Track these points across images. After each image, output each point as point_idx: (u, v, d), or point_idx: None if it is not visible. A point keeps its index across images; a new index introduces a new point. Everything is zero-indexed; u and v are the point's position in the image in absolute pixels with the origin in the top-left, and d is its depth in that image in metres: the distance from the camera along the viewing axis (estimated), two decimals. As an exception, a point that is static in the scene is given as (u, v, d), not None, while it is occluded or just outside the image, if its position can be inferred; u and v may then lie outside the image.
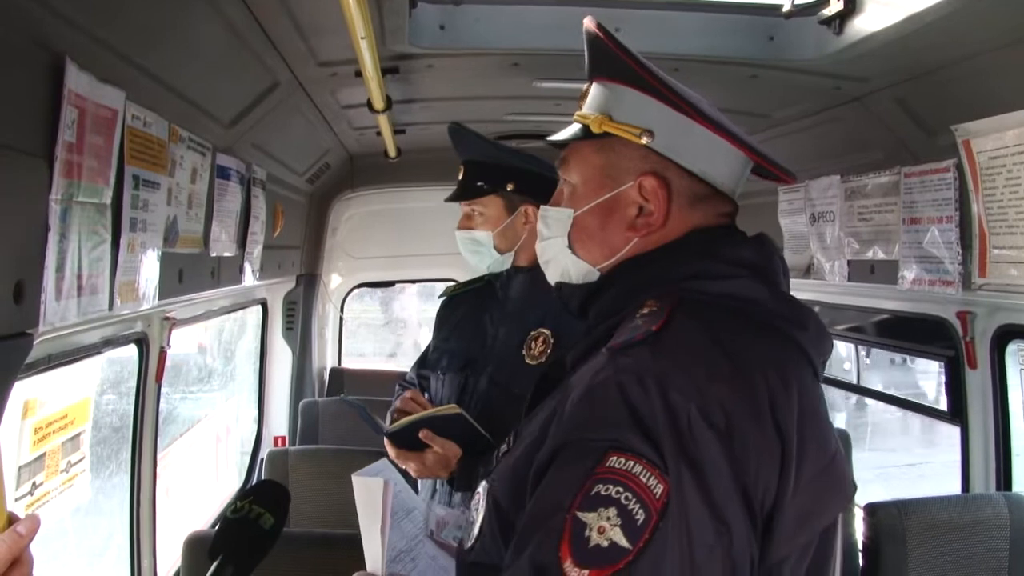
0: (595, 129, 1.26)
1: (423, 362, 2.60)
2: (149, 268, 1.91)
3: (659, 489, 0.97)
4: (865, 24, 2.08)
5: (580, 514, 0.98)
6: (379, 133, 3.55)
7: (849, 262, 3.08)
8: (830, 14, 2.17)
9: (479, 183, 2.38)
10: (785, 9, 2.26)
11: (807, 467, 1.08)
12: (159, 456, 2.76)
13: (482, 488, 1.22)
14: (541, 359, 2.27)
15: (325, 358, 5.19)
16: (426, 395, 2.44)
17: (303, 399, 4.58)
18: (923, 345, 3.16)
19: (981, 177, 2.28)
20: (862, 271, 3.01)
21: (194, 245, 2.30)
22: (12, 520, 1.03)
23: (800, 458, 1.07)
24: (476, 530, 1.18)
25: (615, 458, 0.99)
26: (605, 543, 0.96)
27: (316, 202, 4.68)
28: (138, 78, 1.74)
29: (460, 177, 2.42)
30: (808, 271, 3.38)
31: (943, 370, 2.94)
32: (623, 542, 0.96)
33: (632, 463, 0.98)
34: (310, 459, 3.24)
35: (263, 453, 4.28)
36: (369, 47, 2.01)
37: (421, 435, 2.09)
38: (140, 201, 1.81)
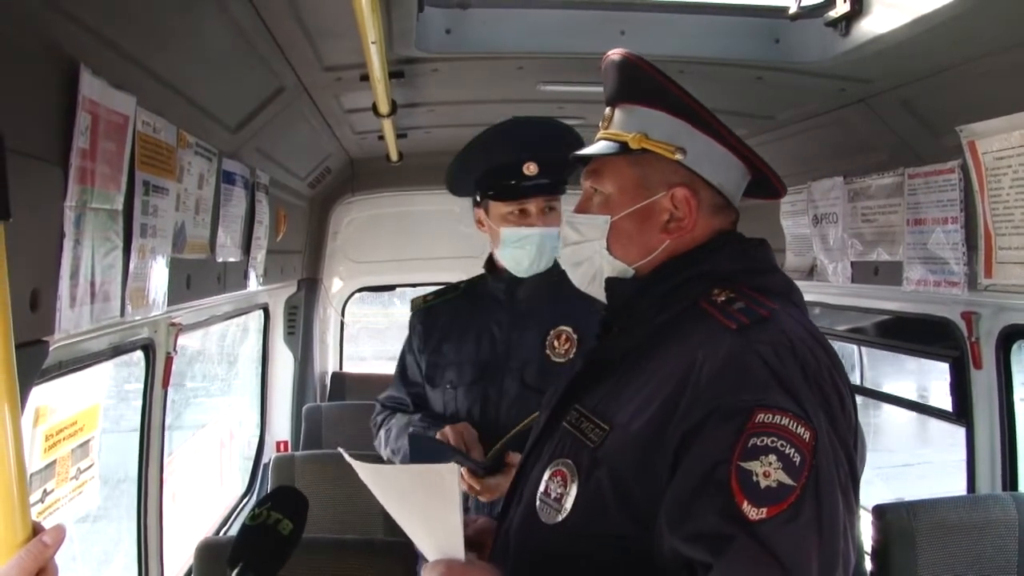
0: (634, 146, 1.43)
1: (407, 379, 2.49)
2: (159, 274, 1.91)
3: (807, 435, 1.16)
4: (872, 26, 2.08)
5: (743, 464, 1.14)
6: (381, 137, 3.55)
7: (852, 263, 3.08)
8: (836, 16, 2.17)
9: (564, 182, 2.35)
10: (791, 11, 2.26)
11: (855, 407, 1.33)
12: (165, 461, 2.75)
13: (564, 466, 1.36)
14: (568, 356, 2.31)
15: (327, 362, 5.19)
16: (418, 415, 2.38)
17: (306, 404, 4.58)
18: (927, 346, 3.16)
19: (987, 178, 2.29)
20: (866, 272, 3.01)
21: (201, 251, 2.30)
22: (37, 530, 1.03)
23: (853, 398, 1.32)
24: (569, 503, 1.32)
25: (763, 415, 1.17)
26: (774, 484, 1.13)
27: (317, 206, 4.67)
28: (148, 84, 1.74)
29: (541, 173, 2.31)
30: (811, 273, 3.38)
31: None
32: (788, 480, 1.13)
33: (779, 417, 1.17)
34: (316, 464, 3.24)
35: (266, 458, 4.28)
36: (378, 52, 2.01)
37: (509, 459, 2.04)
38: (150, 207, 1.81)
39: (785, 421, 1.16)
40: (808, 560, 1.11)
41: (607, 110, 1.52)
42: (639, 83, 1.45)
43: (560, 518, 1.33)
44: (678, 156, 1.40)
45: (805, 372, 1.22)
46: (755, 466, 1.14)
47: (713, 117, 1.42)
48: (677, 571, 1.19)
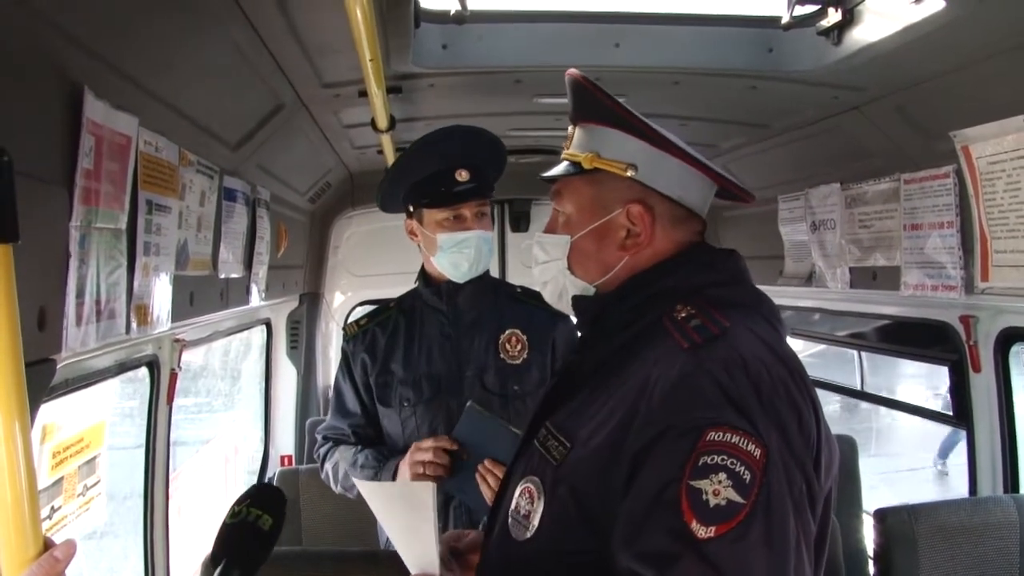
0: (586, 166, 1.44)
1: (345, 410, 2.47)
2: (162, 291, 1.93)
3: (758, 452, 1.15)
4: (863, 34, 2.11)
5: (693, 483, 1.14)
6: (380, 151, 3.57)
7: (851, 269, 3.10)
8: (828, 25, 2.19)
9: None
10: (784, 21, 2.27)
11: (822, 421, 1.30)
12: (171, 477, 2.76)
13: (532, 483, 1.37)
14: (520, 357, 2.39)
15: (329, 376, 5.19)
16: (359, 447, 2.38)
17: (309, 418, 4.59)
18: (926, 350, 3.18)
19: (981, 182, 2.31)
20: (864, 278, 3.03)
21: (203, 267, 2.32)
22: (48, 545, 1.05)
23: (818, 413, 1.29)
24: (536, 521, 1.34)
25: (714, 433, 1.16)
26: (723, 502, 1.12)
27: (318, 221, 4.70)
28: (150, 104, 1.76)
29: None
30: (810, 279, 3.40)
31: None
32: (738, 498, 1.12)
33: (730, 435, 1.16)
34: (320, 478, 3.24)
35: (270, 472, 4.29)
36: (376, 68, 2.04)
37: None
38: (153, 225, 1.83)
39: (736, 439, 1.16)
40: None
41: (569, 129, 1.54)
42: (589, 103, 1.47)
43: (528, 535, 1.35)
44: (629, 173, 1.41)
45: (758, 389, 1.21)
46: (705, 484, 1.14)
47: (658, 133, 1.42)
48: None
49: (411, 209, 2.40)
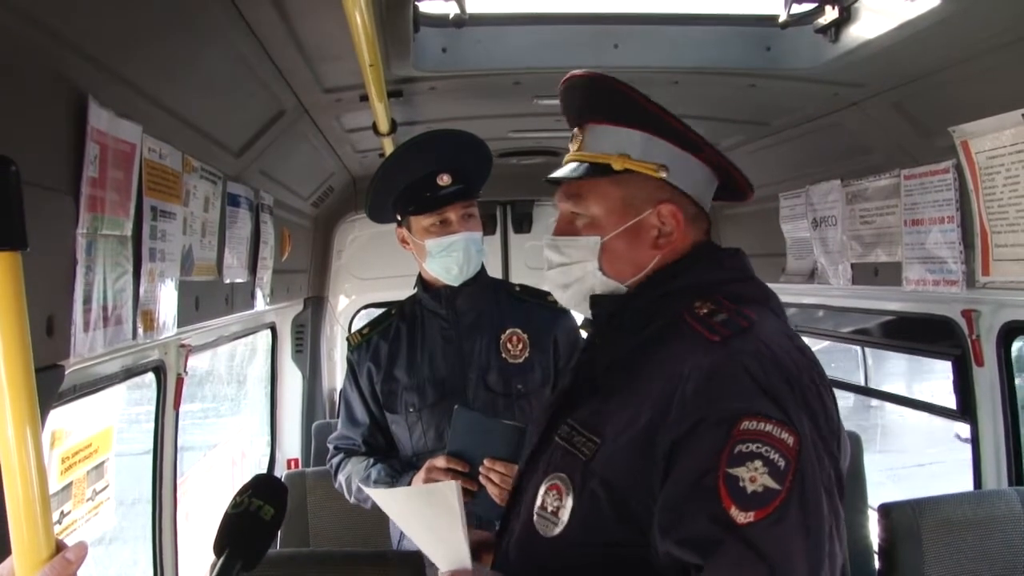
0: (617, 167, 1.45)
1: (354, 419, 2.49)
2: (168, 297, 1.95)
3: (791, 439, 1.20)
4: (860, 31, 2.13)
5: (730, 470, 1.19)
6: (382, 155, 3.59)
7: (852, 265, 3.11)
8: (825, 23, 2.21)
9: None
10: (781, 19, 2.29)
11: (837, 410, 1.35)
12: (178, 482, 2.78)
13: (559, 480, 1.39)
14: (523, 356, 2.41)
15: (335, 379, 5.21)
16: (371, 460, 2.41)
17: (315, 421, 4.60)
18: (929, 345, 3.18)
19: (980, 177, 2.32)
20: (866, 274, 3.04)
21: (208, 273, 2.34)
22: (60, 547, 1.07)
23: (835, 402, 1.34)
24: (566, 516, 1.36)
25: (748, 422, 1.21)
26: (760, 488, 1.17)
27: (321, 225, 4.72)
28: (154, 112, 1.78)
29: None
30: (812, 276, 3.40)
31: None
32: (774, 484, 1.17)
33: (764, 424, 1.20)
34: (328, 480, 3.24)
35: (277, 475, 4.30)
36: (376, 73, 2.05)
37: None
38: (158, 231, 1.85)
39: (769, 427, 1.20)
40: (795, 560, 1.15)
41: (575, 130, 1.54)
42: (613, 103, 1.47)
43: (557, 531, 1.37)
44: (663, 174, 1.44)
45: (788, 379, 1.26)
46: (742, 472, 1.18)
47: (697, 135, 1.45)
48: (672, 574, 1.23)
49: (399, 218, 2.42)
